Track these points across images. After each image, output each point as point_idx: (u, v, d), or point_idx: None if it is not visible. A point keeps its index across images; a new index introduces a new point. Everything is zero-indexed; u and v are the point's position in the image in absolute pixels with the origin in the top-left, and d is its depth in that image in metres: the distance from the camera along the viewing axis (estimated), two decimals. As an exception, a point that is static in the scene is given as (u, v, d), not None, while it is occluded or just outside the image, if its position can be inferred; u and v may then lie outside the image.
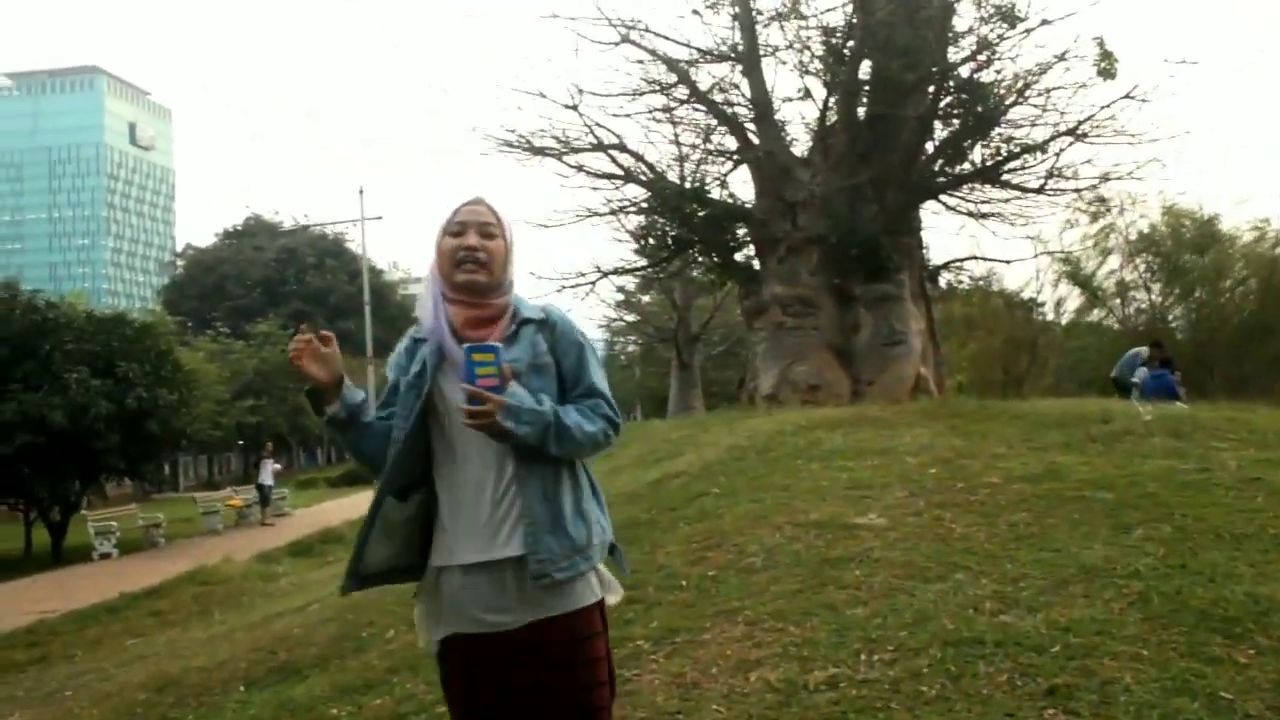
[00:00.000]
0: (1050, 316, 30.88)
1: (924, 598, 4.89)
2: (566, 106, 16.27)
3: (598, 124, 16.64)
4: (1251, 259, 26.42)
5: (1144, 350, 17.62)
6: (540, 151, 16.60)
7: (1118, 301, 26.14)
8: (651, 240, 17.01)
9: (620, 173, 16.71)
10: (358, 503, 28.90)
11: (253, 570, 16.53)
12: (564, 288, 17.19)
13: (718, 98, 17.29)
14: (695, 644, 4.77)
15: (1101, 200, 20.46)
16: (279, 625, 8.54)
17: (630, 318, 35.90)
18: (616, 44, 16.70)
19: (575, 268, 17.63)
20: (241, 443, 55.09)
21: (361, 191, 32.04)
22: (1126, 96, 14.76)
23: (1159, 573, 4.90)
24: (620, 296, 33.04)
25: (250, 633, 8.72)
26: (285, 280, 78.80)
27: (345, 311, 68.44)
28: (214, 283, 77.43)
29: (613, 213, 17.16)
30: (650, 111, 17.36)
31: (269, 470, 27.85)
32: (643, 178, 16.80)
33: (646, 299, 34.35)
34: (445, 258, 2.61)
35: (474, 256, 2.58)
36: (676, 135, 18.24)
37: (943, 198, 16.93)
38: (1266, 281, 25.14)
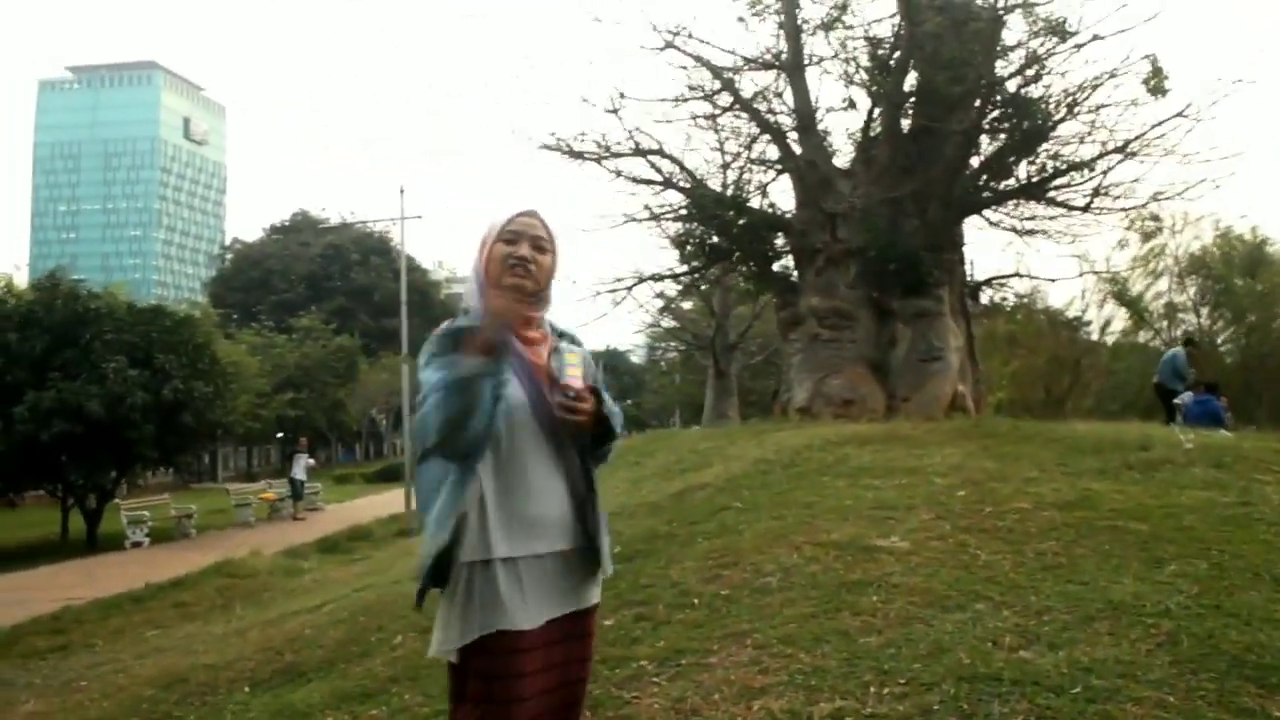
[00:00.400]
0: (1095, 337, 30.40)
1: (941, 628, 4.69)
2: (607, 111, 16.19)
3: (638, 129, 16.55)
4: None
5: (1180, 351, 17.40)
6: (580, 155, 16.50)
7: (1165, 324, 25.62)
8: (689, 247, 16.83)
9: (659, 178, 16.60)
10: (390, 500, 29.04)
11: (278, 565, 16.52)
12: (600, 293, 17.16)
13: (761, 106, 17.11)
14: (700, 667, 4.60)
15: (1155, 218, 20.08)
16: (292, 624, 8.45)
17: (670, 324, 35.78)
18: (661, 49, 16.57)
19: (614, 274, 17.65)
20: (281, 435, 55.51)
21: (402, 191, 32.20)
22: (1178, 115, 14.41)
23: (1191, 613, 4.67)
24: (661, 302, 33.02)
25: (264, 630, 8.64)
26: (330, 276, 79.51)
27: (388, 309, 68.76)
28: (259, 277, 78.27)
29: (652, 218, 17.04)
30: (693, 118, 17.24)
31: (302, 465, 27.95)
32: (682, 184, 16.65)
33: (688, 305, 34.19)
34: (496, 263, 2.67)
35: (525, 266, 2.66)
36: (721, 143, 18.11)
37: (986, 213, 16.62)
38: (1319, 306, 24.68)
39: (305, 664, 6.51)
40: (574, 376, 2.65)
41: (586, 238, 20.63)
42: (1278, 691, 3.85)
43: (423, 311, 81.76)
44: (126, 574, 16.52)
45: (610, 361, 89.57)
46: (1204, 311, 27.33)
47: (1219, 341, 27.13)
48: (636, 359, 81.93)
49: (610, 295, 17.21)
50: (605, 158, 16.61)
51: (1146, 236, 25.62)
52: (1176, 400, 17.27)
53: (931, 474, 8.00)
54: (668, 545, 7.02)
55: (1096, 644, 4.38)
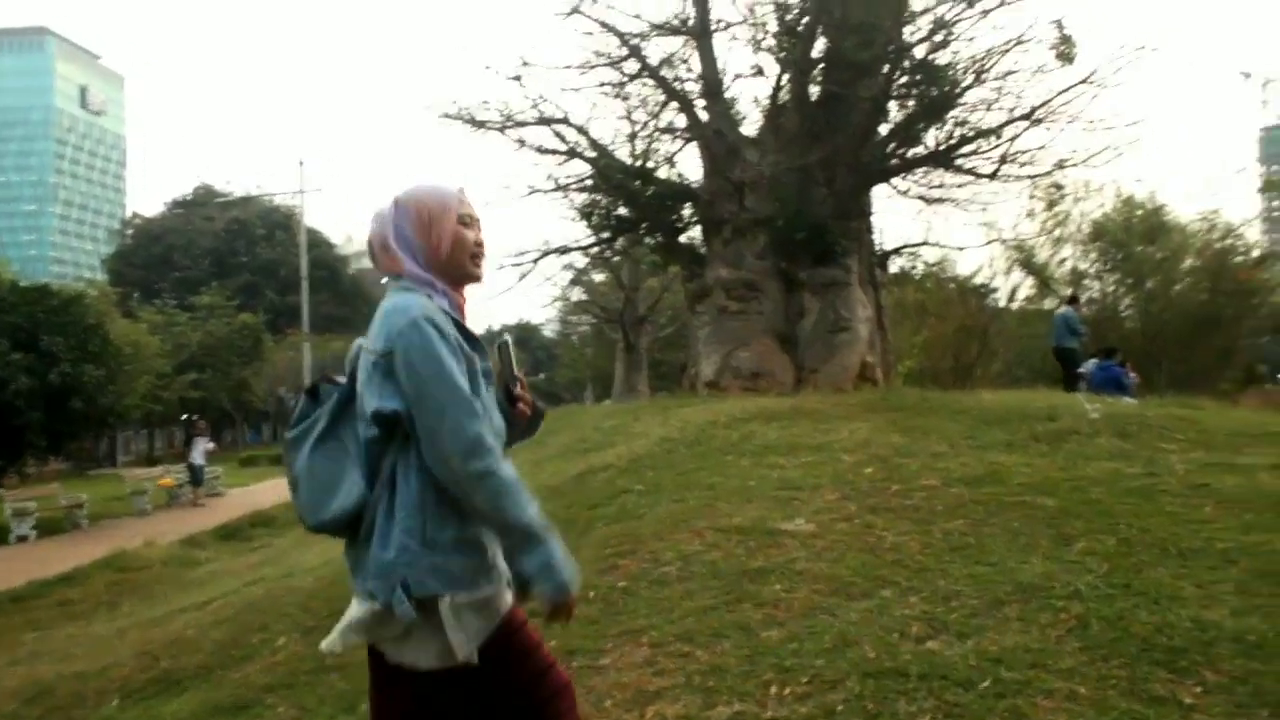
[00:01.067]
0: (1003, 304, 30.71)
1: (846, 618, 4.48)
2: (509, 78, 15.75)
3: (542, 98, 16.14)
4: (1200, 251, 26.39)
5: (1069, 310, 17.64)
6: (482, 125, 16.05)
7: (1070, 290, 25.83)
8: (595, 218, 16.47)
9: (564, 148, 16.20)
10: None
11: (174, 556, 15.83)
12: (503, 267, 16.75)
13: (668, 73, 16.78)
14: (592, 670, 4.33)
15: (1058, 186, 20.23)
16: (176, 624, 8.03)
17: (581, 297, 35.36)
18: (567, 14, 16.16)
19: (523, 246, 17.26)
20: (185, 417, 54.06)
21: (301, 163, 31.05)
22: (1084, 82, 14.42)
23: (1100, 593, 4.52)
24: (570, 275, 32.64)
25: (145, 632, 8.19)
26: (235, 252, 77.64)
27: (295, 285, 67.29)
28: (161, 253, 76.08)
29: (557, 189, 16.64)
30: (600, 86, 16.86)
31: (201, 449, 26.93)
32: (588, 154, 16.28)
33: (601, 278, 33.84)
34: (458, 247, 2.52)
35: (483, 253, 2.58)
36: (630, 111, 17.76)
37: (894, 182, 16.51)
38: (1215, 274, 25.10)
39: (181, 671, 6.11)
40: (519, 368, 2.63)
41: (492, 210, 20.15)
42: (1188, 676, 3.70)
43: (330, 287, 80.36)
44: (9, 570, 15.56)
45: (522, 335, 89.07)
46: (1107, 278, 27.74)
47: (1121, 307, 27.57)
48: (549, 332, 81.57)
49: (516, 269, 16.83)
50: (509, 127, 16.18)
51: (1051, 204, 25.87)
52: (1081, 370, 17.47)
53: (838, 451, 7.81)
54: (565, 532, 6.59)
55: (1005, 631, 4.20)
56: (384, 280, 2.54)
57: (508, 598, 2.44)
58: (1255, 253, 27.31)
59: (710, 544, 5.75)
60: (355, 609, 2.35)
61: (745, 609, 4.73)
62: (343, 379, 2.49)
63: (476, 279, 2.57)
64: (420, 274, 2.48)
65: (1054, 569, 4.85)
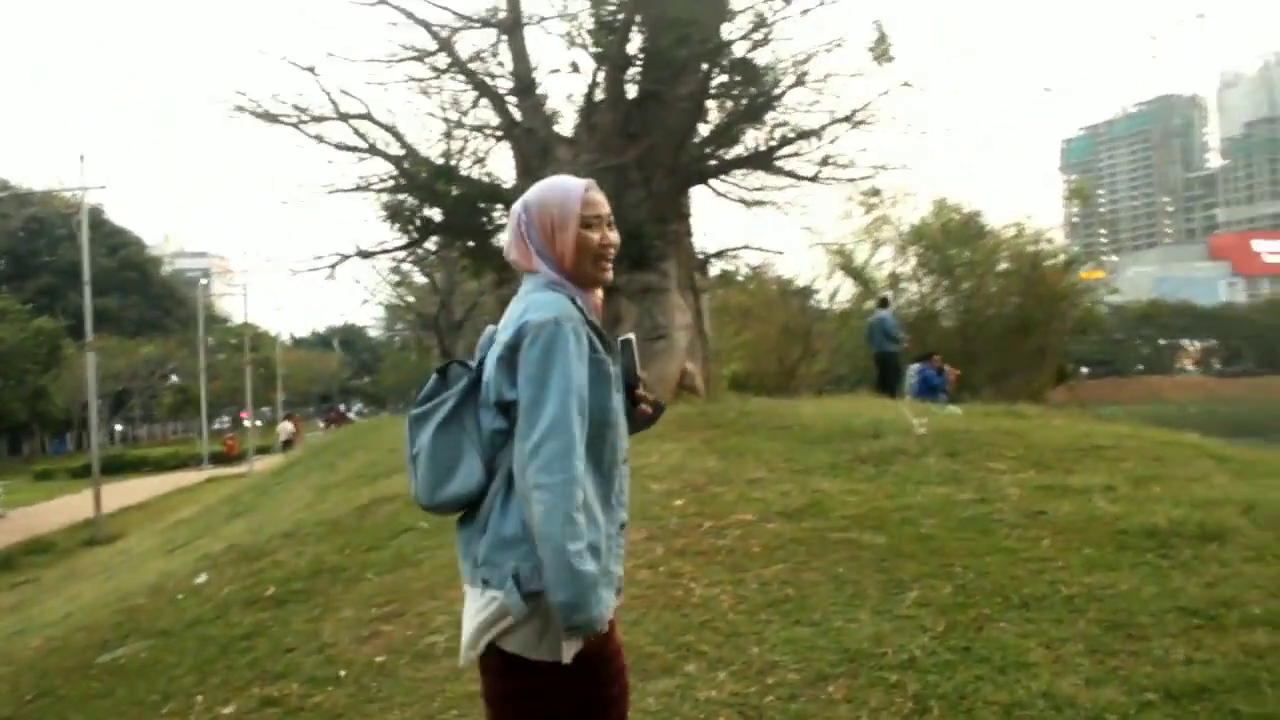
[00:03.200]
0: (825, 306, 30.78)
1: (642, 705, 3.72)
2: (303, 69, 14.49)
3: (343, 91, 14.89)
4: (1014, 255, 26.89)
5: (885, 314, 17.57)
6: (275, 119, 14.74)
7: (890, 293, 25.98)
8: (401, 220, 15.35)
9: (364, 145, 15.02)
10: (88, 500, 26.08)
11: (-79, 595, 14.06)
12: (298, 272, 15.44)
13: (478, 68, 15.78)
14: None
15: (875, 192, 20.09)
16: None
17: (408, 298, 33.89)
18: (373, 4, 15.00)
19: (329, 247, 15.99)
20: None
21: (83, 158, 28.65)
22: (904, 84, 14.13)
23: (938, 660, 3.87)
24: (395, 277, 31.23)
25: None
26: (36, 252, 72.90)
27: (103, 287, 63.25)
28: (-54, 254, 70.93)
29: (358, 189, 15.45)
30: (409, 81, 15.73)
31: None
32: (392, 152, 15.15)
33: (424, 281, 32.47)
34: (583, 251, 2.42)
35: (612, 253, 2.48)
36: (444, 108, 16.70)
37: (713, 183, 15.92)
38: (1028, 278, 25.55)
39: None
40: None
41: (292, 209, 18.80)
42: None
43: (141, 289, 76.25)
44: None
45: (346, 337, 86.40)
46: (925, 280, 27.96)
47: (939, 309, 27.87)
48: (375, 333, 79.05)
49: (316, 272, 15.54)
50: (305, 122, 14.91)
51: (868, 208, 25.95)
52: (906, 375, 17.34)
53: (648, 478, 7.04)
54: (331, 583, 5.77)
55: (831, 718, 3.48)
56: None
57: (614, 602, 2.41)
58: (1062, 257, 28.01)
59: (491, 603, 4.89)
60: (474, 603, 2.33)
61: (523, 694, 3.89)
62: (473, 363, 2.45)
63: (603, 283, 2.49)
64: (555, 277, 2.41)
65: (885, 629, 4.19)
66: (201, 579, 6.61)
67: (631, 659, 4.06)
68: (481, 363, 2.44)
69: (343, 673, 4.36)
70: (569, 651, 2.26)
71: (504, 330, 2.36)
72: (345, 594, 5.49)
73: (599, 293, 2.51)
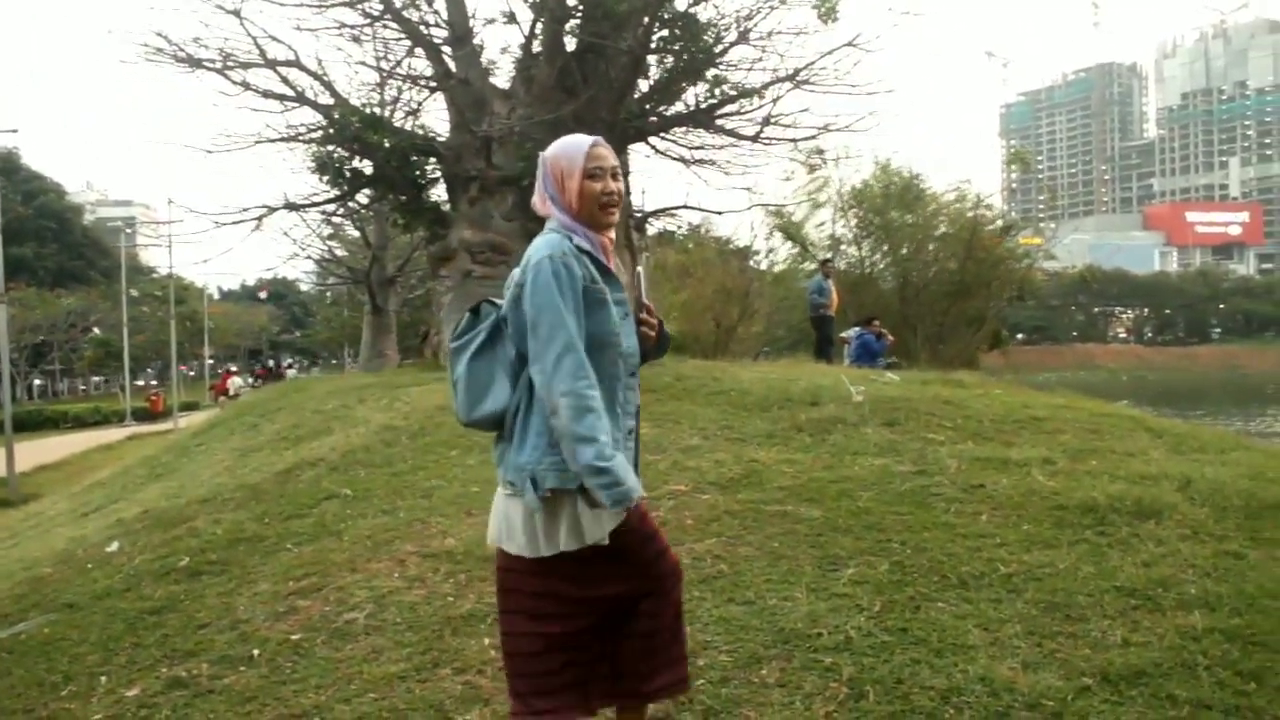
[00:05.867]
0: (764, 266, 30.65)
1: (568, 689, 3.51)
2: (228, 12, 13.94)
3: (270, 36, 14.37)
4: (953, 219, 26.94)
5: (821, 279, 17.48)
6: (198, 64, 14.20)
7: (830, 255, 25.91)
8: (331, 172, 14.89)
9: (292, 93, 14.54)
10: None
11: None
12: (221, 225, 14.92)
13: (413, 15, 15.31)
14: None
15: (819, 152, 19.92)
16: None
17: (340, 252, 33.11)
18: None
19: (255, 199, 15.48)
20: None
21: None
22: (848, 44, 13.93)
23: (874, 643, 3.74)
24: (328, 231, 30.48)
25: None
26: (-58, 202, 70.57)
27: (18, 235, 61.31)
28: None
29: (285, 139, 14.97)
30: (340, 28, 15.20)
31: None
32: (321, 101, 14.68)
33: (356, 235, 31.73)
34: (588, 199, 2.77)
35: (615, 200, 2.81)
36: (377, 56, 16.21)
37: (653, 141, 15.66)
38: (967, 243, 25.59)
39: None
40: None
41: (216, 159, 18.22)
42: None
43: (60, 238, 74.12)
44: None
45: (277, 290, 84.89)
46: (865, 244, 27.92)
47: (878, 272, 27.89)
48: (306, 287, 77.60)
49: (241, 225, 15.03)
50: (230, 68, 14.38)
51: (811, 169, 25.79)
52: (844, 335, 17.29)
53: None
54: (249, 555, 5.52)
55: (764, 705, 3.36)
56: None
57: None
58: (1000, 223, 28.11)
59: (413, 577, 4.70)
60: (502, 503, 2.73)
61: (443, 678, 3.72)
62: (501, 302, 2.80)
63: (607, 226, 2.82)
64: (566, 220, 2.79)
65: (820, 608, 4.05)
66: (113, 547, 6.32)
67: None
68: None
69: (256, 652, 4.14)
70: (610, 526, 2.65)
71: (517, 270, 2.77)
72: (262, 566, 5.26)
73: (610, 234, 2.85)
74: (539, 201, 2.87)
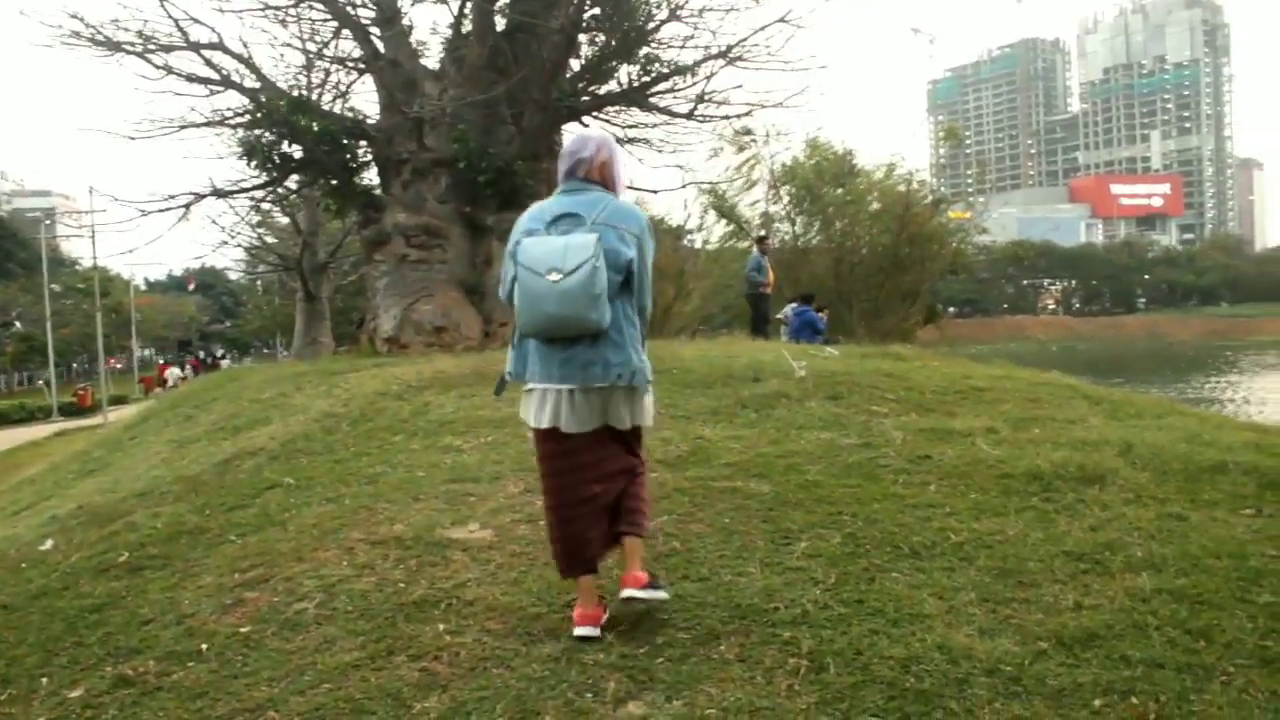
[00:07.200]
0: (699, 245, 30.71)
1: (526, 672, 3.49)
2: (146, -10, 13.60)
3: (191, 18, 14.00)
4: (885, 195, 27.21)
5: (759, 257, 17.51)
6: (117, 47, 13.82)
7: (763, 232, 26.03)
8: (258, 157, 14.57)
9: (216, 77, 14.20)
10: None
11: None
12: (146, 213, 14.54)
13: (339, -4, 15.01)
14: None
15: (747, 131, 19.94)
16: None
17: (271, 240, 32.53)
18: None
19: (181, 185, 15.08)
20: None
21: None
22: (780, 20, 13.94)
23: (831, 616, 3.74)
24: (257, 218, 29.94)
25: None
26: None
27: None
28: None
29: (210, 123, 14.63)
30: (264, 9, 14.85)
31: None
32: (247, 84, 14.35)
33: (286, 222, 31.18)
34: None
35: None
36: (302, 38, 15.89)
37: (586, 119, 15.55)
38: (901, 218, 25.86)
39: None
40: None
41: (139, 145, 17.76)
42: (949, 735, 2.97)
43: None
44: None
45: (205, 279, 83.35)
46: (798, 220, 28.12)
47: (811, 248, 28.06)
48: (236, 276, 76.12)
49: (167, 213, 14.67)
50: (150, 51, 14.01)
51: (740, 148, 25.86)
52: (780, 315, 17.35)
53: (521, 426, 6.78)
54: (191, 548, 5.38)
55: (725, 681, 3.36)
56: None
57: None
58: (931, 198, 28.44)
59: (362, 565, 4.60)
60: (592, 395, 3.75)
61: (398, 665, 3.64)
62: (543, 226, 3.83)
63: None
64: (619, 184, 3.94)
65: (775, 583, 4.05)
66: (47, 545, 6.12)
67: (513, 621, 3.89)
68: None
69: (204, 646, 4.03)
70: (651, 416, 3.99)
71: (622, 218, 3.77)
72: (206, 558, 5.12)
73: None
74: (605, 171, 3.86)
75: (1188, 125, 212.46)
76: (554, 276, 3.53)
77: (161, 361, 46.30)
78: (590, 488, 3.83)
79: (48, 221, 68.17)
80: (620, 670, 3.45)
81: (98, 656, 4.15)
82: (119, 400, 44.62)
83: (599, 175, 3.82)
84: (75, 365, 77.74)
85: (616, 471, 3.88)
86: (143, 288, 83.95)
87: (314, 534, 5.14)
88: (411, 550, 4.71)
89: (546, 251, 3.60)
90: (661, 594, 3.82)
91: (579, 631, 3.68)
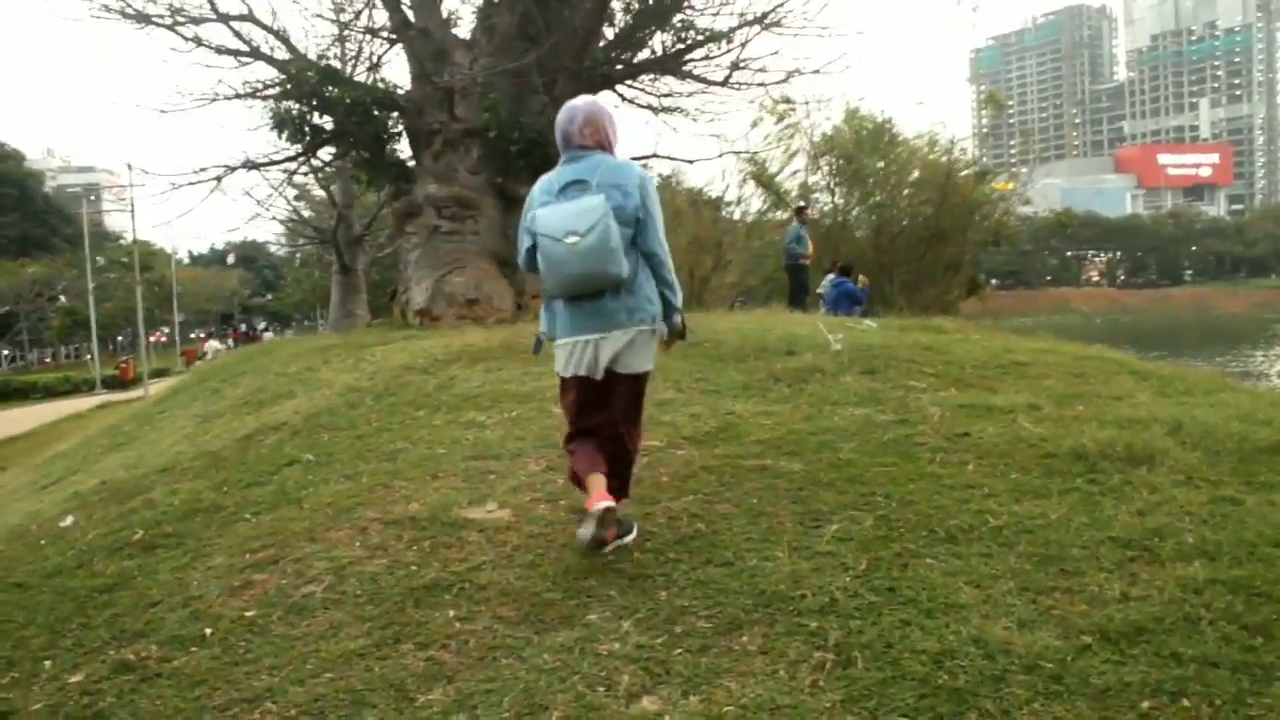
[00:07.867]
0: (737, 216, 30.38)
1: (537, 663, 3.32)
2: (179, -37, 13.47)
3: (222, -11, 13.86)
4: (926, 165, 26.73)
5: (799, 228, 17.20)
6: (147, 20, 13.73)
7: (803, 203, 25.69)
8: (289, 129, 14.46)
9: (246, 49, 14.09)
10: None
11: None
12: (177, 186, 14.51)
13: (370, -36, 14.86)
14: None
15: (787, 100, 19.59)
16: None
17: (308, 213, 32.54)
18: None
19: (214, 159, 15.02)
20: None
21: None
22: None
23: (861, 604, 3.54)
24: (293, 191, 29.94)
25: None
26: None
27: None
28: None
29: (242, 95, 14.53)
30: (295, -22, 14.75)
31: None
32: (277, 55, 14.24)
33: (322, 194, 31.15)
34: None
35: None
36: (338, 10, 15.77)
37: (620, 88, 15.31)
38: (941, 189, 25.39)
39: None
40: None
41: (170, 118, 17.72)
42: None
43: (21, 206, 72.93)
44: None
45: (246, 253, 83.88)
46: (837, 191, 27.70)
47: (850, 220, 27.67)
48: (276, 249, 76.48)
49: (199, 186, 14.61)
50: (181, 23, 13.92)
51: (780, 117, 25.47)
52: (819, 289, 17.07)
53: (548, 400, 6.61)
54: (205, 526, 5.27)
55: (746, 675, 3.16)
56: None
57: None
58: (974, 168, 27.94)
59: (374, 546, 4.46)
60: (616, 340, 4.09)
61: (404, 654, 3.49)
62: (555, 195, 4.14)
63: None
64: (615, 144, 4.26)
65: (803, 568, 3.85)
66: (67, 521, 6.05)
67: (526, 607, 3.72)
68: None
69: (209, 630, 3.90)
70: (654, 361, 4.35)
71: (619, 175, 4.08)
72: (219, 537, 5.00)
73: None
74: (598, 133, 4.17)
75: (1238, 93, 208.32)
76: (571, 239, 3.89)
77: (202, 335, 46.66)
78: (603, 414, 4.23)
79: (91, 197, 68.77)
80: (635, 662, 3.27)
81: (102, 639, 4.03)
82: (160, 373, 45.05)
83: (592, 140, 4.15)
84: (121, 338, 78.58)
85: (625, 407, 4.28)
86: (185, 261, 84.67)
87: (328, 513, 5.01)
88: (426, 531, 4.56)
89: (561, 218, 3.95)
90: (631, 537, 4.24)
91: (599, 505, 3.94)
